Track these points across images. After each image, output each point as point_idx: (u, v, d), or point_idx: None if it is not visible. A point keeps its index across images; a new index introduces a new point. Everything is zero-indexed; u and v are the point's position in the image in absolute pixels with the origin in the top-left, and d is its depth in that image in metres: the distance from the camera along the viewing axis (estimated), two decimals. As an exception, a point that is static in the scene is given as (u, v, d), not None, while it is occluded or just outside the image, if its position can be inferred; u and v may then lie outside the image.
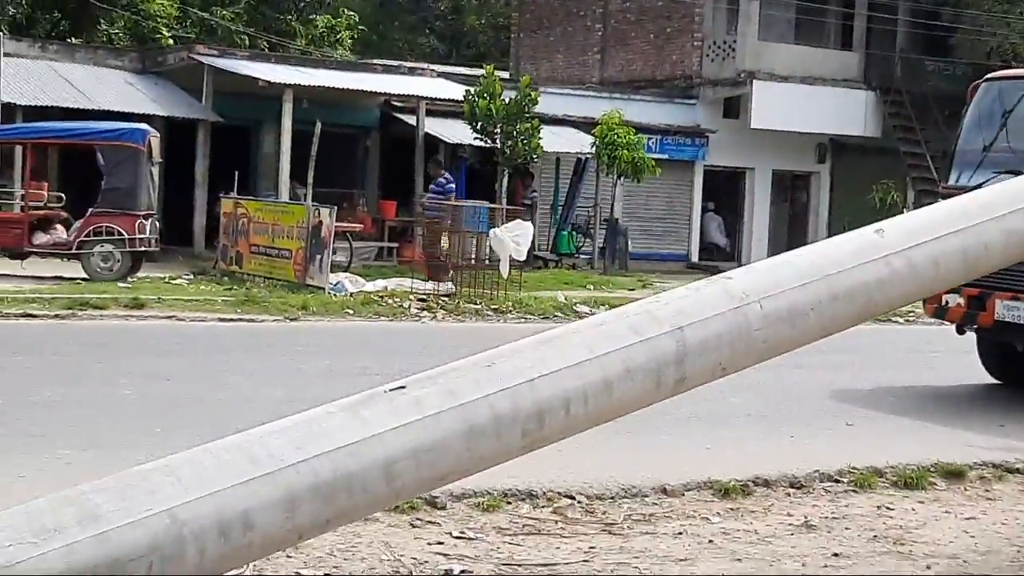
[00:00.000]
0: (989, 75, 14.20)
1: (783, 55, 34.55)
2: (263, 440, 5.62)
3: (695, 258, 34.23)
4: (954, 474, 9.56)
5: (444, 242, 22.29)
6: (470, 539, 7.36)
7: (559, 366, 5.97)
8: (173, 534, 5.26)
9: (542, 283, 23.71)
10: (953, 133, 32.21)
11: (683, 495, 8.53)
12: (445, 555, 7.02)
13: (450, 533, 7.43)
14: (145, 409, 10.84)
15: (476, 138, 27.27)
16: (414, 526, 7.46)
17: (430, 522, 7.56)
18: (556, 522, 7.83)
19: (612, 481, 8.47)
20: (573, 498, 8.22)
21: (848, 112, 34.78)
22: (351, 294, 20.05)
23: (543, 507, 8.07)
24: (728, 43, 34.60)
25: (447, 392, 5.79)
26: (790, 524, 8.14)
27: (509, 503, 8.02)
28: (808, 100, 33.94)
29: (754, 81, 33.53)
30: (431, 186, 24.68)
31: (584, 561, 7.08)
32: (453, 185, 24.86)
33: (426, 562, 6.87)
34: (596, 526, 7.81)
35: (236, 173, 24.16)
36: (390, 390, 5.77)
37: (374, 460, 5.62)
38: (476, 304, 19.86)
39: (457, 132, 28.40)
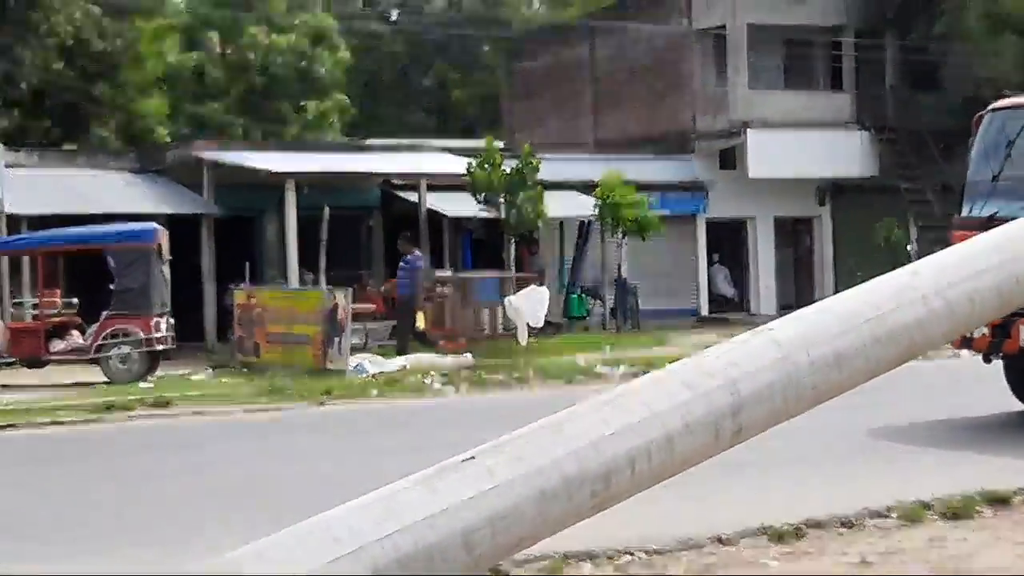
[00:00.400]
0: (993, 105, 14.43)
1: (775, 102, 34.94)
2: (343, 519, 5.78)
3: (704, 311, 34.40)
4: (1000, 501, 9.69)
5: (420, 321, 22.46)
6: (531, 601, 7.54)
7: (621, 425, 6.15)
8: (268, 618, 5.43)
9: (559, 348, 23.87)
10: (951, 167, 32.45)
11: (738, 543, 8.66)
12: (517, 618, 7.20)
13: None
14: (196, 501, 11.00)
15: (481, 209, 27.56)
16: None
17: (486, 585, 7.71)
18: (620, 580, 8.01)
19: (668, 535, 8.62)
20: (632, 554, 8.37)
21: (844, 153, 35.09)
22: (372, 375, 20.20)
23: (604, 565, 8.22)
24: (719, 95, 34.97)
25: (516, 459, 5.96)
26: (847, 562, 8.27)
27: (570, 564, 8.17)
28: (803, 145, 34.28)
29: (748, 131, 33.89)
30: (400, 263, 24.35)
31: (651, 616, 7.25)
32: (421, 263, 24.70)
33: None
34: (661, 581, 7.98)
35: (248, 264, 24.43)
36: (461, 461, 5.95)
37: (452, 530, 5.79)
38: (497, 374, 20.01)
39: (458, 205, 28.65)
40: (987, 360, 14.42)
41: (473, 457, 6.02)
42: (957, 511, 9.38)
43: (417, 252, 24.88)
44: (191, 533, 9.44)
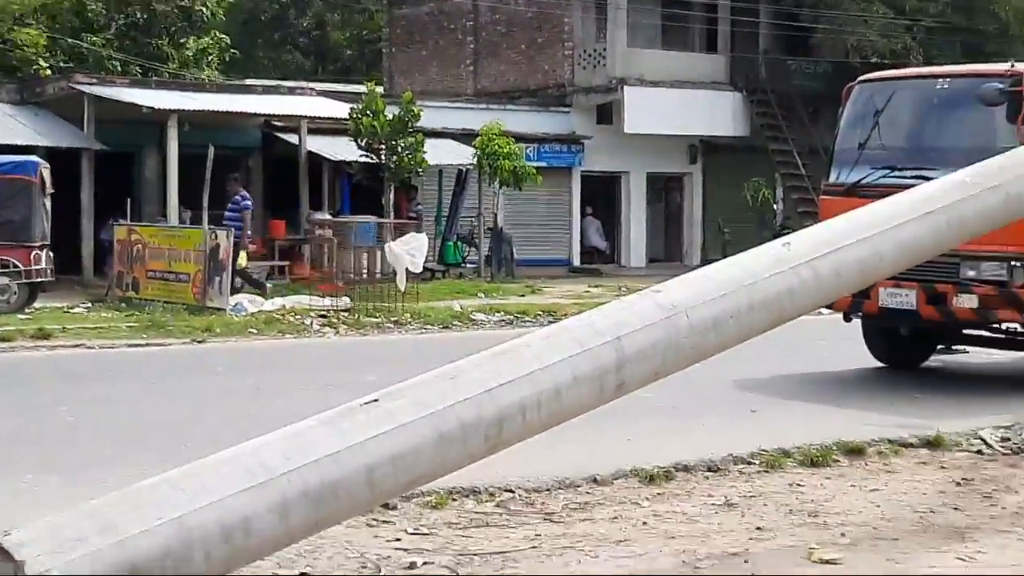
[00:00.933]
0: (862, 78, 15.04)
1: (652, 61, 35.49)
2: (256, 453, 6.18)
3: (577, 262, 34.96)
4: (855, 451, 10.32)
5: (242, 260, 22.51)
6: (425, 534, 7.92)
7: (515, 376, 6.63)
8: (183, 539, 5.81)
9: (435, 293, 24.26)
10: (818, 130, 33.38)
11: (613, 483, 9.17)
12: (405, 549, 7.58)
13: (405, 530, 7.98)
14: (92, 433, 11.21)
15: (362, 155, 27.76)
16: (371, 526, 7.99)
17: (385, 521, 8.10)
18: (500, 514, 8.43)
19: (547, 475, 9.10)
20: (513, 492, 8.83)
21: (716, 113, 35.81)
22: (251, 314, 20.41)
23: (486, 501, 8.66)
24: (598, 51, 35.44)
25: (417, 403, 6.41)
26: (713, 504, 8.82)
27: (455, 500, 8.59)
28: (678, 103, 34.90)
29: (625, 87, 34.40)
30: (229, 204, 24.36)
31: (533, 547, 7.68)
32: (249, 202, 24.61)
33: (388, 557, 7.41)
34: (537, 516, 8.42)
35: (128, 200, 24.41)
36: (365, 403, 6.36)
37: (356, 467, 6.21)
38: (375, 318, 20.34)
39: (340, 149, 28.80)
40: (847, 319, 15.12)
41: (376, 400, 6.47)
42: (815, 459, 9.99)
43: (244, 192, 24.92)
44: (90, 462, 9.71)
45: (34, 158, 22.53)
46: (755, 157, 35.75)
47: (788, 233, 24.63)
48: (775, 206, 36.42)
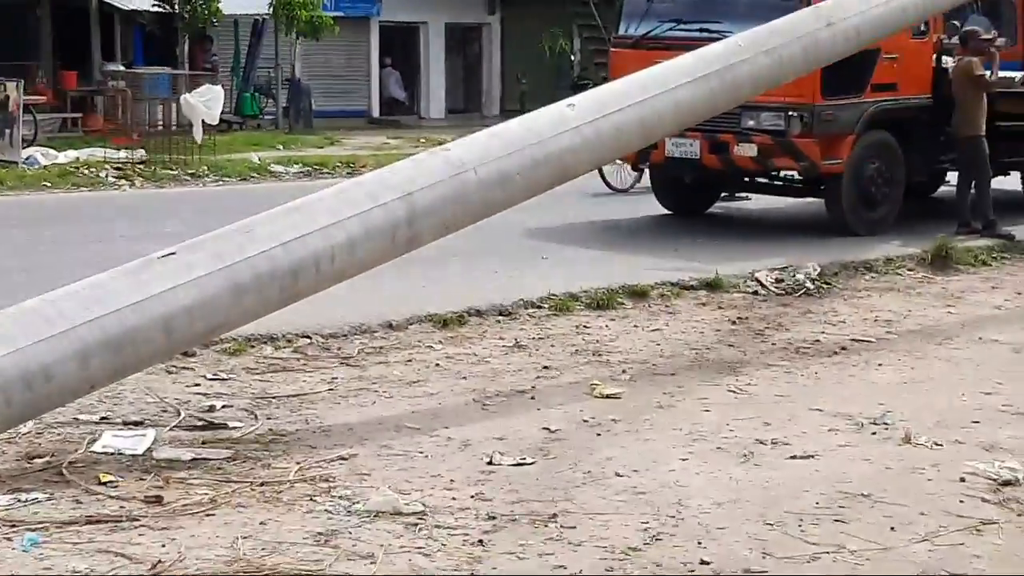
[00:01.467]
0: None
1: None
2: (55, 303, 6.39)
3: (376, 113, 34.88)
4: (639, 294, 10.86)
5: None
6: (224, 379, 8.20)
7: (309, 230, 6.94)
8: (-17, 385, 6.00)
9: (232, 145, 24.07)
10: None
11: (407, 328, 9.55)
12: (204, 394, 7.85)
13: (204, 376, 8.25)
14: None
15: (154, 4, 27.24)
16: (170, 372, 8.22)
17: (184, 368, 8.34)
18: (298, 360, 8.75)
19: (343, 321, 9.39)
20: (310, 338, 9.13)
21: (516, -38, 35.80)
22: (44, 167, 20.11)
23: (284, 348, 8.96)
24: None
25: (214, 255, 6.66)
26: (503, 346, 9.26)
27: (253, 347, 8.86)
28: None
29: (423, -64, 34.18)
30: None
31: (329, 389, 8.03)
32: None
33: (188, 401, 7.67)
34: (334, 360, 8.76)
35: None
36: (162, 256, 6.57)
37: (153, 316, 6.46)
38: (172, 170, 20.20)
39: (132, -1, 28.19)
40: (636, 169, 15.66)
41: (174, 253, 6.70)
42: (601, 302, 10.49)
43: None
44: None
45: None
46: (553, 8, 35.86)
47: (586, 84, 25.15)
48: (572, 57, 36.74)
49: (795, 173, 14.46)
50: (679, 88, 8.85)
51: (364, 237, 7.14)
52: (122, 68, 27.86)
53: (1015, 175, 16.41)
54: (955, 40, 14.41)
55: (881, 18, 10.74)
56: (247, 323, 7.39)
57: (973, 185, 14.31)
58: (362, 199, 7.23)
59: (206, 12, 27.24)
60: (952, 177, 15.38)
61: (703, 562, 5.40)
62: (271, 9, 29.35)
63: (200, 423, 7.23)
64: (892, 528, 5.82)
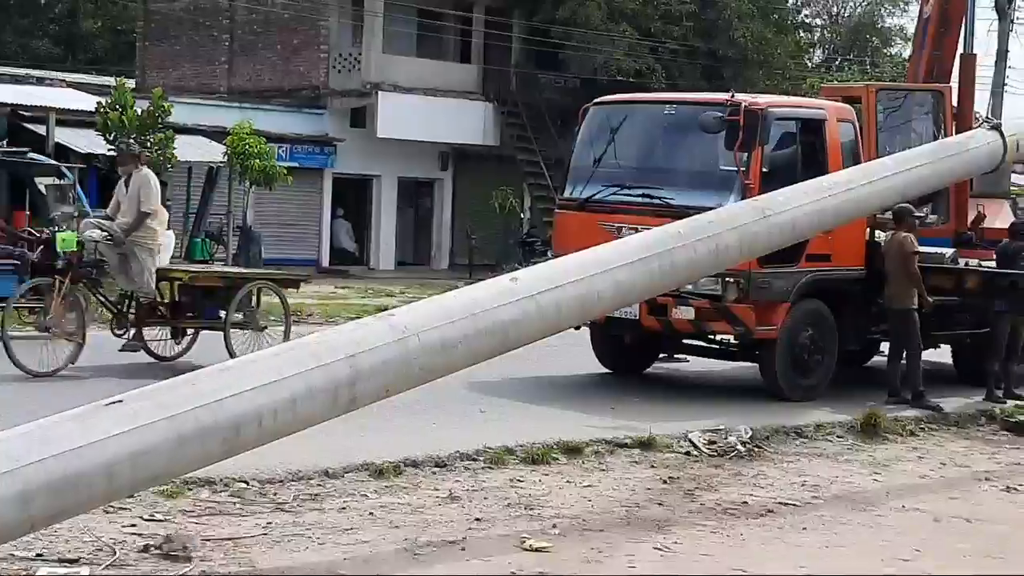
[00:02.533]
0: (597, 100, 15.78)
1: (406, 68, 35.96)
2: (3, 443, 6.49)
3: (326, 263, 35.16)
4: (574, 450, 11.01)
5: None
6: (160, 521, 8.27)
7: (252, 385, 7.09)
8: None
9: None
10: (565, 142, 34.13)
11: (343, 476, 9.65)
12: (140, 534, 7.92)
13: (140, 517, 8.32)
14: None
15: (110, 148, 27.46)
16: (107, 512, 8.27)
17: (121, 508, 8.40)
18: (235, 504, 8.83)
19: (280, 466, 9.50)
20: (247, 483, 9.22)
21: (468, 122, 36.45)
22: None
23: (221, 492, 9.04)
24: (354, 56, 35.72)
25: (159, 405, 6.80)
26: (437, 496, 9.37)
27: (191, 489, 8.95)
28: (430, 111, 35.41)
29: (379, 92, 34.81)
30: None
31: (264, 534, 8.12)
32: None
33: (124, 541, 7.75)
34: (270, 505, 8.85)
35: None
36: (110, 403, 6.70)
37: (97, 462, 6.58)
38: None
39: (89, 142, 28.38)
40: (576, 327, 15.86)
41: (121, 401, 6.84)
42: (536, 457, 10.64)
43: None
44: None
45: None
46: (504, 166, 36.52)
47: (534, 240, 25.44)
48: (522, 215, 37.28)
49: (731, 337, 14.72)
50: (620, 269, 9.18)
51: (306, 396, 7.30)
52: (71, 209, 27.87)
53: (945, 348, 16.77)
54: (888, 215, 14.82)
55: (817, 214, 11.18)
56: (187, 472, 7.53)
57: (904, 356, 14.62)
58: (306, 359, 7.40)
59: (161, 158, 27.47)
60: (884, 347, 15.73)
61: None
62: (226, 158, 29.70)
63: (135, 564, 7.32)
64: None
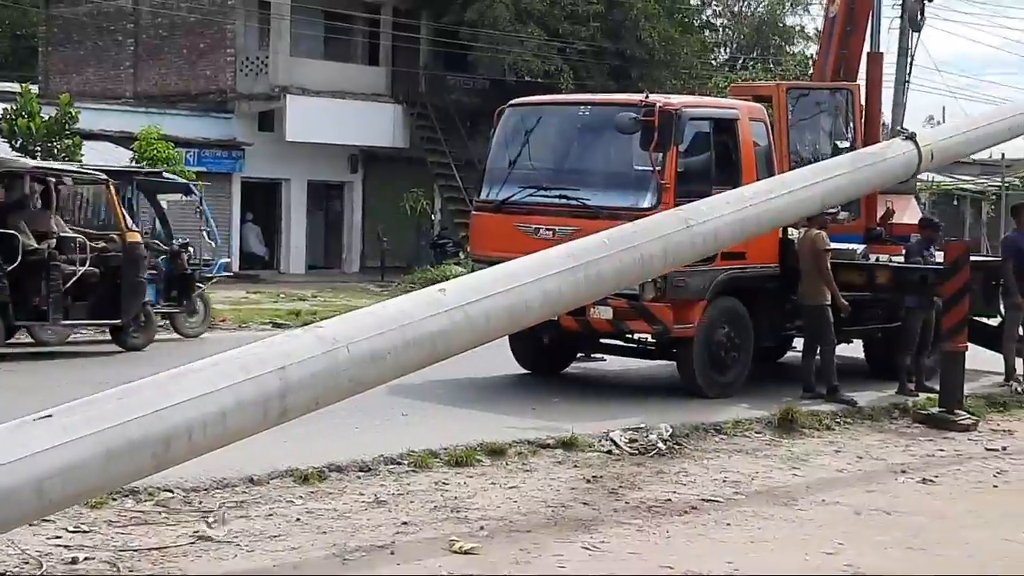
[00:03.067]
0: (512, 102, 15.77)
1: (314, 70, 35.79)
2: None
3: (236, 267, 34.83)
4: (497, 452, 11.04)
5: None
6: (85, 532, 8.19)
7: (182, 399, 7.04)
8: None
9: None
10: (475, 144, 34.19)
11: (268, 483, 9.61)
12: (66, 547, 7.85)
13: (66, 528, 8.23)
14: None
15: (16, 155, 27.07)
16: (32, 524, 8.17)
17: (46, 520, 8.29)
18: (160, 513, 8.77)
19: (205, 475, 9.42)
20: (172, 492, 9.15)
21: (377, 124, 36.35)
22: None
23: (146, 501, 8.97)
24: (261, 59, 35.50)
25: (88, 421, 6.74)
26: (363, 501, 9.36)
27: (115, 500, 8.87)
28: (339, 113, 35.26)
29: (287, 96, 34.62)
30: None
31: (191, 543, 8.07)
32: None
33: (50, 553, 7.67)
34: (196, 514, 8.79)
35: None
36: (38, 418, 6.62)
37: (27, 478, 6.49)
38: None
39: (-10, 146, 28.00)
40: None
41: (51, 416, 6.76)
42: (460, 459, 10.65)
43: None
44: None
45: None
46: (414, 168, 36.48)
47: (446, 243, 25.48)
48: (432, 216, 37.26)
49: (649, 336, 14.81)
50: (547, 279, 9.22)
51: (236, 408, 7.26)
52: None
53: (858, 343, 17.00)
54: (804, 213, 15.01)
55: (739, 223, 11.30)
56: (118, 487, 7.47)
57: (818, 352, 14.81)
58: (236, 372, 7.36)
59: (68, 161, 27.14)
60: (798, 343, 15.91)
61: None
62: (133, 162, 29.34)
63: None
64: None
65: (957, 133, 14.68)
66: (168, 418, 6.93)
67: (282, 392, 7.43)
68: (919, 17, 19.63)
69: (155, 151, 28.99)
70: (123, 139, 30.62)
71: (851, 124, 16.99)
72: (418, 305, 8.44)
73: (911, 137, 14.08)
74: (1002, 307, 16.55)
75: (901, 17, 33.10)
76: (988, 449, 12.64)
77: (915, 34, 20.07)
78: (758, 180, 14.84)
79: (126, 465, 6.87)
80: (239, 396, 7.22)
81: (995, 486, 11.02)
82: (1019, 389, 15.82)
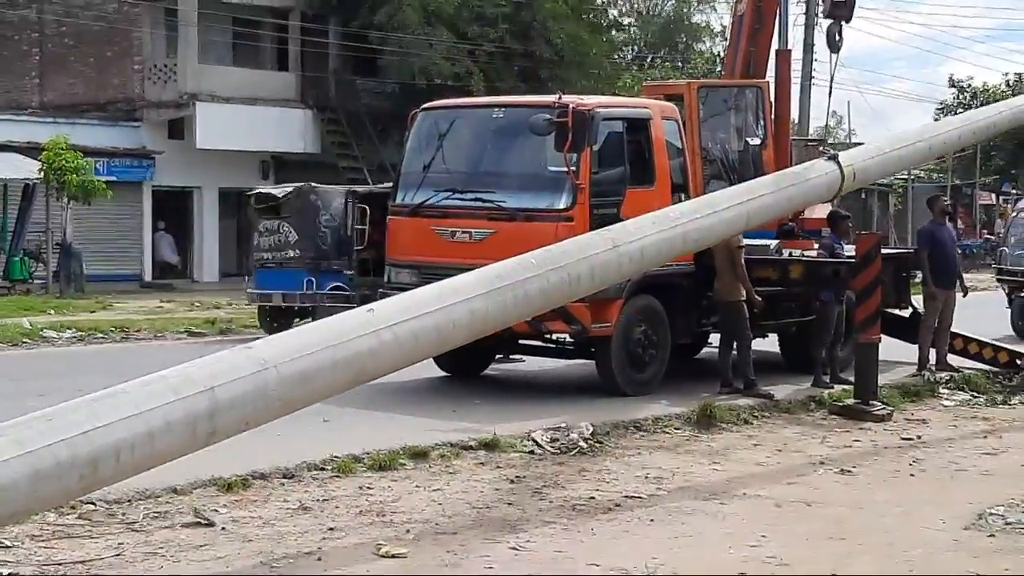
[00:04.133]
0: (425, 105, 15.76)
1: (224, 77, 35.55)
2: None
3: (149, 277, 34.58)
4: (420, 455, 11.03)
5: None
6: (7, 547, 8.08)
7: (110, 420, 6.98)
8: None
9: (3, 310, 23.63)
10: (386, 148, 34.02)
11: (192, 492, 9.53)
12: (-11, 563, 7.75)
13: (-12, 544, 8.14)
14: None
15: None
16: (-47, 543, 8.09)
17: (-34, 538, 8.20)
18: (83, 526, 8.67)
19: (127, 486, 9.26)
20: (94, 504, 9.04)
21: (288, 130, 36.16)
22: None
23: (68, 514, 8.85)
24: (169, 66, 35.21)
25: (15, 442, 6.63)
26: (288, 508, 9.33)
27: (35, 515, 8.74)
28: (249, 120, 35.07)
29: (197, 103, 34.36)
30: None
31: (116, 555, 7.99)
32: None
33: (-26, 568, 7.57)
34: (120, 526, 8.71)
35: None
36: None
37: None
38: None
39: None
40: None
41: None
42: (383, 463, 10.65)
43: None
44: None
45: None
46: (326, 173, 36.02)
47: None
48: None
49: (567, 336, 14.84)
50: (475, 299, 9.22)
51: (165, 429, 7.19)
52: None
53: (773, 337, 17.15)
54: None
55: (663, 242, 11.32)
56: (44, 509, 7.38)
57: (734, 347, 14.95)
58: (164, 392, 7.29)
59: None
60: (714, 339, 16.03)
61: None
62: (41, 174, 29.07)
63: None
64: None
65: (879, 154, 14.80)
66: (95, 439, 6.84)
67: (211, 412, 7.36)
68: (837, 38, 19.74)
69: (64, 161, 28.72)
70: (31, 149, 30.26)
71: (761, 121, 17.15)
72: (348, 325, 8.42)
73: (834, 158, 14.20)
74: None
75: (806, 14, 33.62)
76: (903, 439, 12.82)
77: (834, 55, 20.02)
78: (671, 178, 15.01)
79: (54, 486, 6.76)
80: (168, 417, 7.15)
81: (911, 475, 11.17)
82: (932, 379, 16.07)
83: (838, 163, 13.87)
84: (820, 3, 21.62)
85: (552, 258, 10.07)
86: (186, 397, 7.27)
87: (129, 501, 9.20)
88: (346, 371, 8.31)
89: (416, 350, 8.99)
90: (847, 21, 19.89)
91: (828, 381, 15.38)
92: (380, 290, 14.81)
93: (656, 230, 11.33)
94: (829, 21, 20.46)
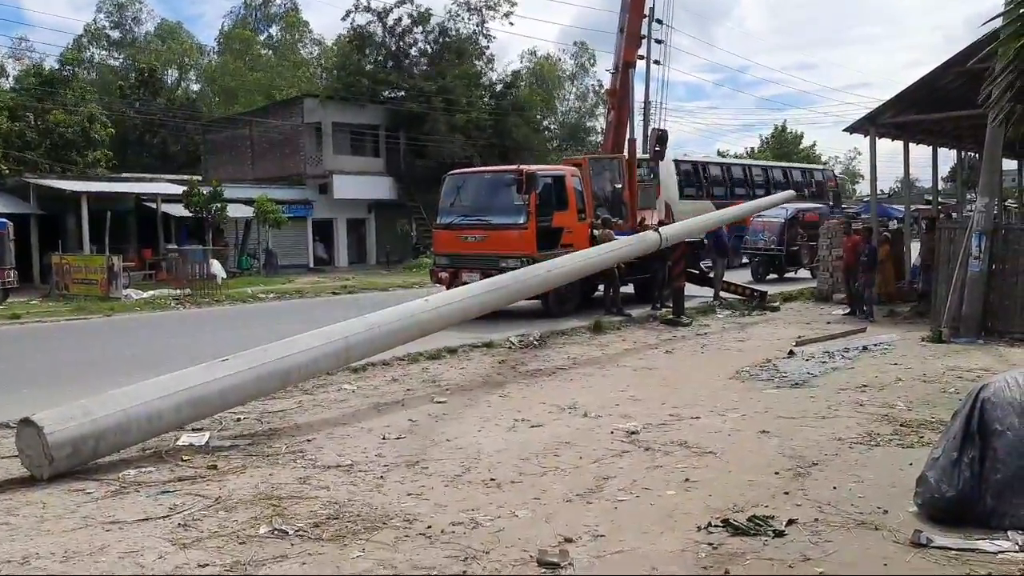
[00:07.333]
0: (449, 172, 15.58)
1: (346, 161, 35.07)
2: (182, 378, 6.29)
3: (311, 265, 33.98)
4: (452, 351, 10.82)
5: None
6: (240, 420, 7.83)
7: (295, 351, 7.03)
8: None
9: (236, 285, 23.35)
10: (432, 195, 33.34)
11: (335, 374, 9.04)
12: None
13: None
14: (53, 369, 10.36)
15: (192, 212, 26.48)
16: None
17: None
18: (287, 398, 8.23)
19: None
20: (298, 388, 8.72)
21: (380, 188, 35.65)
22: (135, 300, 19.28)
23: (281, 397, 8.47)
24: (318, 156, 34.81)
25: (247, 361, 6.68)
26: (386, 380, 9.10)
27: (255, 399, 8.06)
28: (361, 183, 34.64)
29: (333, 175, 33.96)
30: None
31: (298, 404, 7.80)
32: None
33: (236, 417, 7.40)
34: (300, 394, 8.29)
35: (60, 242, 22.51)
36: (222, 360, 6.51)
37: (214, 391, 6.43)
38: (205, 299, 19.58)
39: (178, 210, 27.29)
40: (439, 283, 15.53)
41: (228, 358, 6.60)
42: (433, 356, 10.39)
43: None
44: (62, 383, 9.12)
45: (2, 219, 20.43)
46: (401, 210, 35.99)
47: (418, 247, 24.24)
48: (411, 234, 36.81)
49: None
50: (481, 295, 9.37)
51: (323, 357, 7.22)
52: (175, 246, 26.85)
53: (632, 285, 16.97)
54: (600, 221, 15.06)
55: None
56: (262, 397, 7.26)
57: (612, 291, 14.86)
58: (322, 338, 7.31)
59: (220, 217, 26.58)
60: (601, 288, 15.92)
61: (491, 479, 5.58)
62: (254, 214, 28.80)
63: (230, 427, 7.08)
64: (580, 457, 6.08)
65: (683, 228, 14.52)
66: (290, 361, 6.92)
67: (347, 348, 7.40)
68: (659, 148, 18.51)
69: (265, 207, 28.40)
70: (248, 201, 29.88)
71: (621, 175, 17.00)
72: (414, 306, 8.44)
73: (656, 229, 13.92)
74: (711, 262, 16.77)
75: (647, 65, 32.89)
76: (698, 335, 12.73)
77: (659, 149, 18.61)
78: (577, 207, 14.83)
79: (271, 384, 6.83)
80: (325, 350, 7.24)
81: (702, 353, 11.10)
82: (713, 304, 16.01)
83: (659, 231, 13.59)
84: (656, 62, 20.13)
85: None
86: (333, 341, 7.30)
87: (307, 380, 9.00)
88: (416, 330, 8.32)
89: (451, 319, 8.90)
90: (661, 159, 18.78)
91: (659, 307, 15.32)
92: (431, 268, 14.53)
93: (577, 258, 10.95)
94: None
